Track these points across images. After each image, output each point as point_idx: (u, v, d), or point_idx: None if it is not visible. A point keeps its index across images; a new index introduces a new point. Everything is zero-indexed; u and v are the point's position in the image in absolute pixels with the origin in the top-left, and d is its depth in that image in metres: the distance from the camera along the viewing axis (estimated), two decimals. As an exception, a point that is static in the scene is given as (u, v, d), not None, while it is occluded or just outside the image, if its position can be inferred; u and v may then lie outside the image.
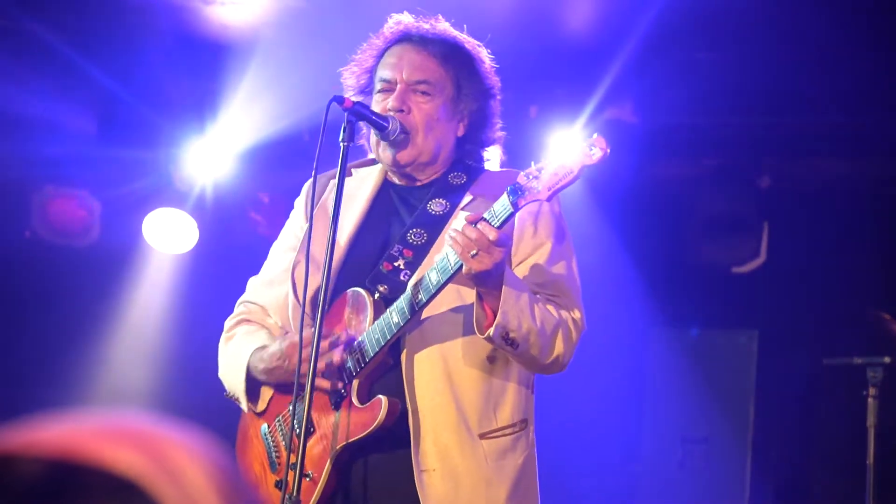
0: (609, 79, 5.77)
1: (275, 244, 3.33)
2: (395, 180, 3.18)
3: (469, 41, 3.17)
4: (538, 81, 5.86)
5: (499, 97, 3.19)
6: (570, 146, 2.73)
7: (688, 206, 6.58)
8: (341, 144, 2.97)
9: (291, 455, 2.97)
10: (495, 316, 2.80)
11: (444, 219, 3.05)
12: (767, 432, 6.47)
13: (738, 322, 6.61)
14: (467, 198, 3.06)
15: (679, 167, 6.54)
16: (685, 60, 5.73)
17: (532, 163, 2.75)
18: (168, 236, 6.41)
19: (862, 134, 6.05)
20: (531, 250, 3.01)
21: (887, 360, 4.61)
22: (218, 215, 6.42)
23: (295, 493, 2.80)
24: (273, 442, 3.15)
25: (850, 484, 5.22)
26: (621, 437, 6.68)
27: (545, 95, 6.04)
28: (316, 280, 3.00)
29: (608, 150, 2.69)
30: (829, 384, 5.87)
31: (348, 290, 3.03)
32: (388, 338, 2.91)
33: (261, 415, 3.18)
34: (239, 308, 3.31)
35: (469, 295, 2.89)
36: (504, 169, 3.26)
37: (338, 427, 2.98)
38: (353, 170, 3.22)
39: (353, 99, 3.05)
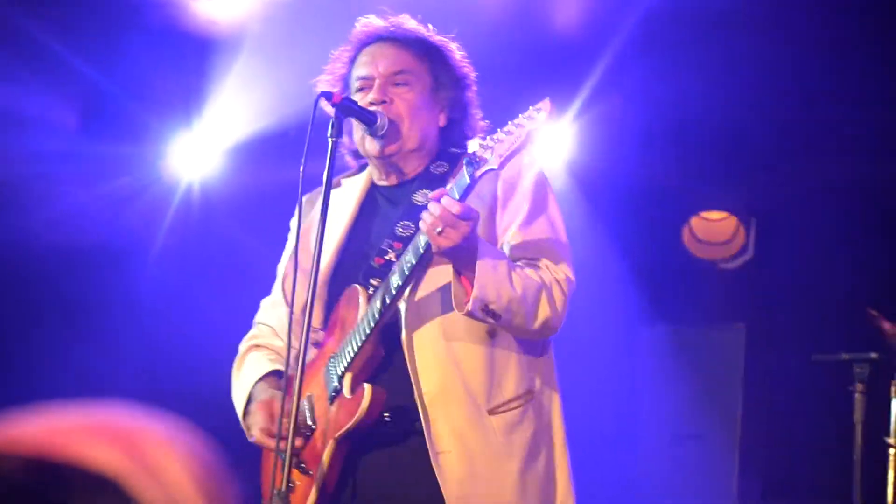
0: (598, 75, 5.77)
1: (279, 264, 3.39)
2: (381, 182, 3.19)
3: (436, 35, 3.20)
4: (526, 77, 5.85)
5: (474, 87, 3.21)
6: (519, 116, 2.74)
7: (677, 202, 6.59)
8: (329, 140, 2.98)
9: (282, 443, 2.98)
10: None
11: None
12: (755, 428, 6.49)
13: (726, 318, 6.62)
14: (450, 185, 3.06)
15: (667, 163, 6.55)
16: (674, 56, 5.73)
17: (487, 136, 2.75)
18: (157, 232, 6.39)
19: (851, 131, 6.06)
20: (513, 216, 3.02)
21: (874, 355, 4.62)
22: (204, 211, 6.40)
23: (284, 488, 2.80)
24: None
25: (837, 479, 5.23)
26: (609, 432, 6.68)
27: (533, 91, 6.02)
28: (305, 290, 3.03)
29: (549, 109, 2.69)
30: (817, 380, 5.88)
31: (344, 293, 3.07)
32: (373, 325, 2.93)
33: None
34: (252, 329, 3.38)
35: None
36: None
37: (331, 421, 3.01)
38: (342, 180, 3.25)
39: (328, 110, 3.09)
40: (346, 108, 3.00)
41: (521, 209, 3.01)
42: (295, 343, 2.98)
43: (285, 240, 3.39)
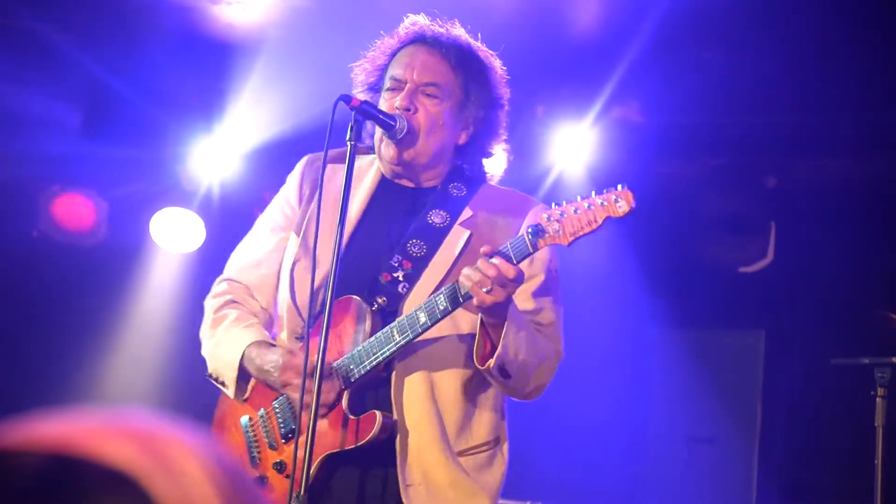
0: (616, 78, 5.77)
1: (260, 220, 3.30)
2: (395, 178, 3.17)
3: (482, 49, 3.18)
4: (544, 80, 5.85)
5: (506, 108, 3.19)
6: (596, 195, 2.69)
7: (695, 206, 6.57)
8: (348, 143, 2.97)
9: (299, 450, 2.96)
10: (494, 348, 2.84)
11: (444, 231, 3.06)
12: (774, 432, 6.46)
13: (746, 322, 6.60)
14: (467, 212, 3.08)
15: (686, 167, 6.53)
16: (692, 59, 5.72)
17: (553, 203, 2.73)
18: (175, 235, 6.41)
19: (869, 133, 6.03)
20: (525, 278, 3.00)
21: (895, 360, 4.60)
22: (225, 214, 6.42)
23: (303, 493, 2.80)
24: (254, 436, 3.14)
25: (857, 485, 5.21)
26: (628, 437, 6.67)
27: (551, 94, 6.03)
28: (315, 278, 3.00)
29: (634, 206, 2.66)
30: (837, 384, 5.86)
31: (346, 298, 3.03)
32: (387, 354, 2.94)
33: (244, 401, 3.18)
34: (220, 286, 3.27)
35: (462, 319, 2.94)
36: (504, 187, 3.24)
37: (325, 434, 2.97)
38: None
39: (361, 96, 3.07)
40: (365, 111, 2.99)
41: (537, 276, 3.05)
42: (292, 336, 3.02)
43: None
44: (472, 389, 3.03)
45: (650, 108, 6.12)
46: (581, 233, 2.69)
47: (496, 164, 3.29)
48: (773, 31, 5.46)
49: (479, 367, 2.87)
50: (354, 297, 3.02)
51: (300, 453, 2.86)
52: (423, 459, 2.96)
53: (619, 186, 2.67)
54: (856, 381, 4.87)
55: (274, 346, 3.11)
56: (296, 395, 2.98)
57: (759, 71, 5.78)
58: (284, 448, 3.08)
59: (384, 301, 3.01)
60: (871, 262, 6.15)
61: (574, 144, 6.26)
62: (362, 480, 3.01)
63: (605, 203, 2.66)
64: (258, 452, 3.13)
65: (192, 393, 6.05)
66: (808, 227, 6.41)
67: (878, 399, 4.61)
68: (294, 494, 2.81)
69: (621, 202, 2.65)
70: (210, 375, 3.23)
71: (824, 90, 5.82)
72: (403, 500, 2.95)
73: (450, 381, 2.99)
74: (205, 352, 3.23)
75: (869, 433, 4.61)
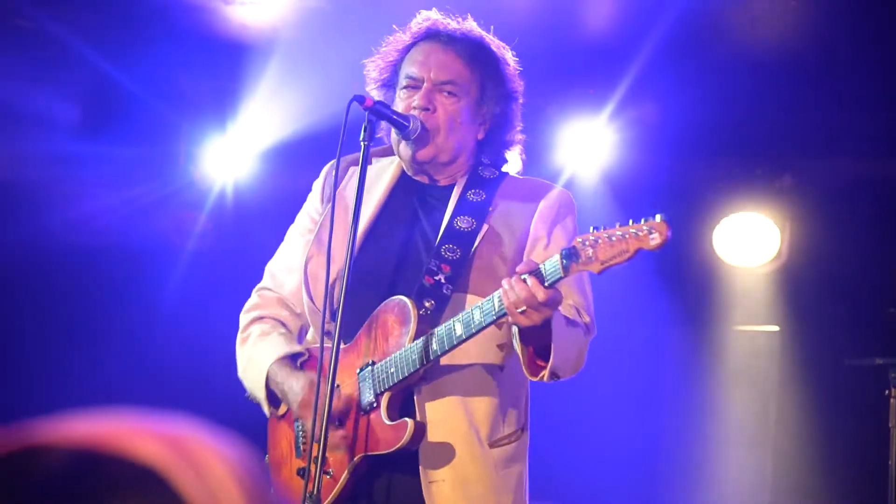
0: (629, 78, 5.76)
1: (291, 228, 3.32)
2: (415, 175, 3.18)
3: (494, 42, 3.17)
4: (557, 80, 5.85)
5: (521, 100, 3.18)
6: (633, 223, 2.62)
7: (709, 205, 6.56)
8: (362, 144, 2.98)
9: (314, 450, 2.97)
10: (536, 352, 2.85)
11: (472, 235, 3.04)
12: (788, 432, 6.45)
13: (760, 322, 6.59)
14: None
15: (699, 166, 6.52)
16: (706, 60, 5.71)
17: (591, 227, 2.67)
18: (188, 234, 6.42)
19: (885, 133, 6.02)
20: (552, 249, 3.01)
21: (909, 360, 4.60)
22: (238, 214, 6.43)
23: (316, 492, 2.81)
24: (302, 428, 3.15)
25: (871, 485, 5.20)
26: (641, 436, 6.67)
27: (564, 94, 6.02)
28: (330, 274, 3.00)
29: (669, 238, 2.61)
30: (851, 384, 5.85)
31: (394, 298, 3.01)
32: (425, 364, 2.92)
33: (281, 418, 3.20)
34: (254, 298, 3.31)
35: None
36: (525, 176, 3.23)
37: (362, 434, 3.00)
38: (372, 158, 3.21)
39: (375, 94, 3.08)
40: (379, 112, 2.99)
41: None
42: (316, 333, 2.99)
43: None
44: (501, 378, 3.02)
45: (664, 107, 6.11)
46: (612, 262, 2.64)
47: (512, 163, 3.28)
48: (786, 30, 5.46)
49: (531, 378, 2.89)
50: (403, 298, 2.99)
51: (335, 451, 2.93)
52: (452, 454, 2.96)
53: (658, 217, 2.62)
54: (870, 381, 4.87)
55: (300, 354, 3.14)
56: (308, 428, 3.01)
57: (773, 70, 5.77)
58: None
59: (431, 304, 2.99)
60: (886, 262, 6.14)
61: (587, 144, 6.25)
62: (386, 479, 3.02)
63: (640, 234, 2.61)
64: (303, 443, 3.13)
65: (204, 392, 6.06)
66: (822, 226, 6.40)
67: (892, 400, 4.61)
68: (307, 494, 2.83)
69: (655, 235, 2.60)
70: (248, 397, 3.26)
71: (839, 90, 5.80)
72: (425, 497, 2.94)
73: (477, 373, 2.98)
74: (239, 374, 3.26)
75: (883, 433, 4.61)
